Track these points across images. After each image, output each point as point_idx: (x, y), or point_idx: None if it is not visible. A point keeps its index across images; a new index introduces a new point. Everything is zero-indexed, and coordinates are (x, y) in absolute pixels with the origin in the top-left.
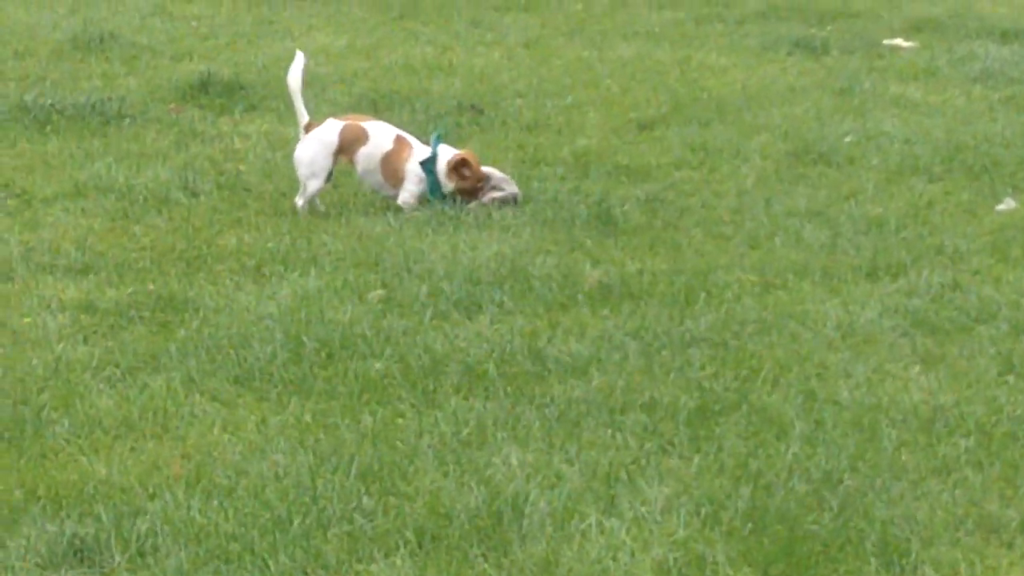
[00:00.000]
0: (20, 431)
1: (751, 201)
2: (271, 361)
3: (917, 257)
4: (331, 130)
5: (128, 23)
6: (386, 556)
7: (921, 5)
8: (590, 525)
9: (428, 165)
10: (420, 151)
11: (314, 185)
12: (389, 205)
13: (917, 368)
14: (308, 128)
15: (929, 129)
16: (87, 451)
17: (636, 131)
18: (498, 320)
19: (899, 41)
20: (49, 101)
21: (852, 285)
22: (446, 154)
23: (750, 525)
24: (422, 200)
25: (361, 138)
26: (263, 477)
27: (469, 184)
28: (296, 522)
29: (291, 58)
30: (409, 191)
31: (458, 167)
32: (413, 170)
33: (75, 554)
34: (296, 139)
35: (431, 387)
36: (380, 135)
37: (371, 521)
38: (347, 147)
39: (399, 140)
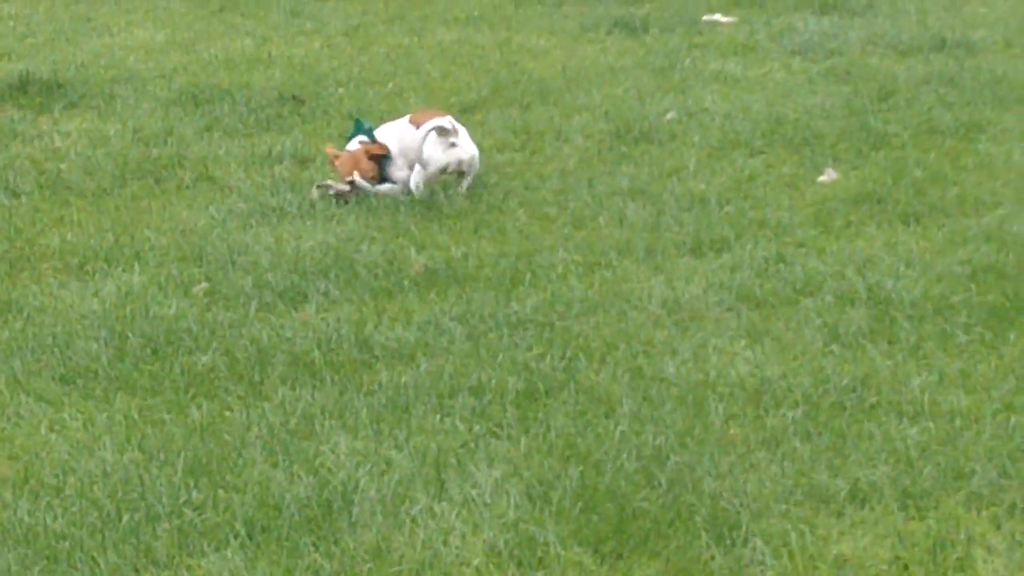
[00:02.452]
0: None
1: (574, 182)
2: (96, 359)
3: (741, 232)
4: None
5: None
6: (216, 549)
7: None
8: (421, 510)
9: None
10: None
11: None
12: (212, 199)
13: (743, 342)
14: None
15: (749, 104)
16: None
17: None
18: (324, 309)
19: (718, 16)
20: None
21: (676, 262)
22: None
23: (580, 504)
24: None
25: None
26: (91, 475)
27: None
28: (125, 519)
29: (110, 54)
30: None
31: (332, 157)
32: None
33: None
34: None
35: (258, 378)
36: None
37: (201, 515)
38: None
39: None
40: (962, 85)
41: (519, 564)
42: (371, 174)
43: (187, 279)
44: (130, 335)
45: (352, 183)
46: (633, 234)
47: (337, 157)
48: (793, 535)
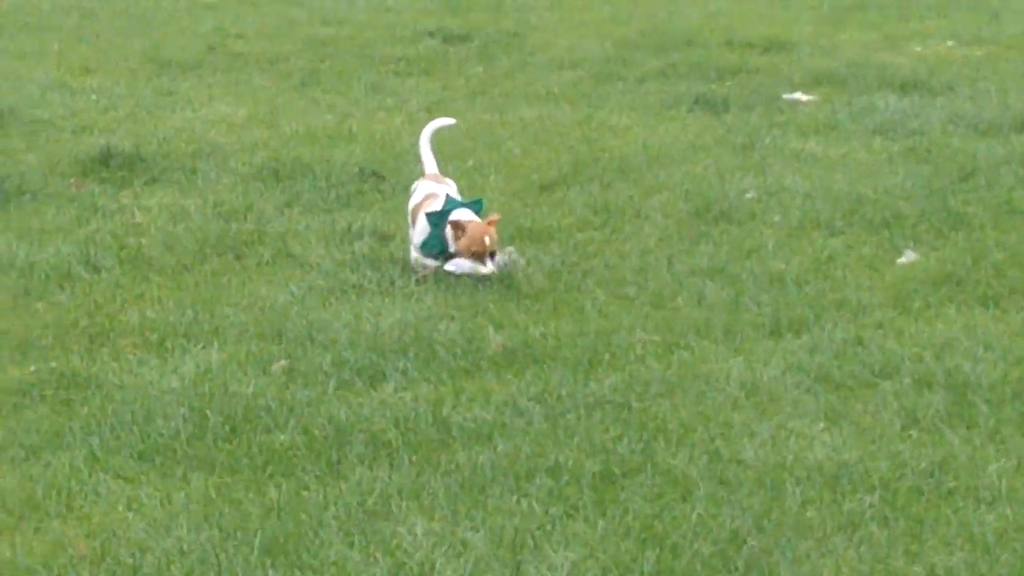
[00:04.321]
0: None
1: (653, 260)
2: (174, 436)
3: (819, 312)
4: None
5: (28, 98)
6: None
7: (820, 59)
8: None
9: (433, 218)
10: (438, 204)
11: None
12: (292, 275)
13: (821, 424)
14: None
15: (830, 183)
16: None
17: (538, 193)
18: (402, 388)
19: (799, 95)
20: None
21: (755, 342)
22: (460, 215)
23: None
24: (427, 254)
25: (413, 193)
26: (168, 554)
27: (464, 245)
28: None
29: (191, 129)
30: (413, 242)
31: (454, 226)
32: (421, 219)
33: None
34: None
35: (335, 458)
36: (420, 190)
37: None
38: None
39: (430, 196)
40: None
41: None
42: (494, 248)
43: (266, 356)
44: (208, 413)
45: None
46: (712, 314)
47: (463, 228)
48: None
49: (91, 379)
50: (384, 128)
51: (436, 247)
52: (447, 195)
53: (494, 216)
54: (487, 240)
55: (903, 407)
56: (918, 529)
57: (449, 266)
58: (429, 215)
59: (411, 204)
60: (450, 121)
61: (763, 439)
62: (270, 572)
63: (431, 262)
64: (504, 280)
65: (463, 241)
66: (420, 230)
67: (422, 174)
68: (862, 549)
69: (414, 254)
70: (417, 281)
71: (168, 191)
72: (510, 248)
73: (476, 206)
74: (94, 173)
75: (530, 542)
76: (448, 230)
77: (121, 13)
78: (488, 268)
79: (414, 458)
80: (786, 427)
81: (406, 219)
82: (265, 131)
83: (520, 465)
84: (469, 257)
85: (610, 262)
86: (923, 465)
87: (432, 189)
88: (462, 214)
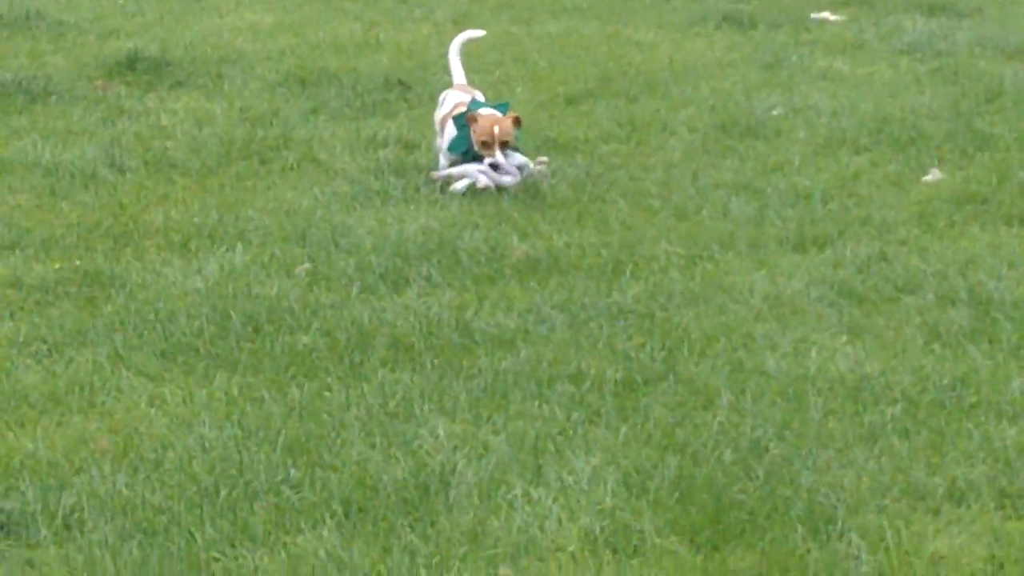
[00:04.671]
0: None
1: (678, 174)
2: (198, 335)
3: (844, 229)
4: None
5: (54, 1)
6: (313, 527)
7: None
8: (517, 495)
9: (460, 120)
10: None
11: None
12: (316, 180)
13: (844, 338)
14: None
15: (856, 102)
16: (13, 426)
17: (564, 105)
18: (425, 293)
19: (826, 14)
20: None
21: (779, 257)
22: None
23: (677, 494)
24: (454, 153)
25: (441, 104)
26: (190, 450)
27: (475, 135)
28: (223, 494)
29: (218, 35)
30: (442, 148)
31: (469, 118)
32: (449, 124)
33: (0, 528)
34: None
35: (358, 360)
36: (449, 100)
37: (298, 493)
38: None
39: (459, 105)
40: None
41: (614, 551)
42: (512, 142)
43: (290, 260)
44: (232, 313)
45: (495, 166)
46: (736, 228)
47: (475, 119)
48: (889, 531)
49: (115, 278)
50: (411, 38)
51: (462, 146)
52: (472, 99)
53: (512, 114)
54: (496, 129)
55: (926, 322)
56: (939, 442)
57: (457, 186)
58: (456, 117)
59: (439, 114)
60: (479, 33)
61: (785, 351)
62: (291, 471)
63: (443, 172)
64: (528, 190)
65: (475, 132)
66: (448, 134)
67: (450, 85)
68: (883, 460)
69: (442, 161)
70: (436, 186)
71: (194, 95)
72: (543, 158)
73: (501, 108)
74: (120, 76)
75: (551, 446)
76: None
77: None
78: (493, 162)
79: (436, 362)
80: (808, 339)
81: (433, 128)
82: (292, 39)
83: (542, 371)
84: (480, 147)
85: (635, 174)
86: (945, 379)
87: (460, 98)
88: (481, 110)
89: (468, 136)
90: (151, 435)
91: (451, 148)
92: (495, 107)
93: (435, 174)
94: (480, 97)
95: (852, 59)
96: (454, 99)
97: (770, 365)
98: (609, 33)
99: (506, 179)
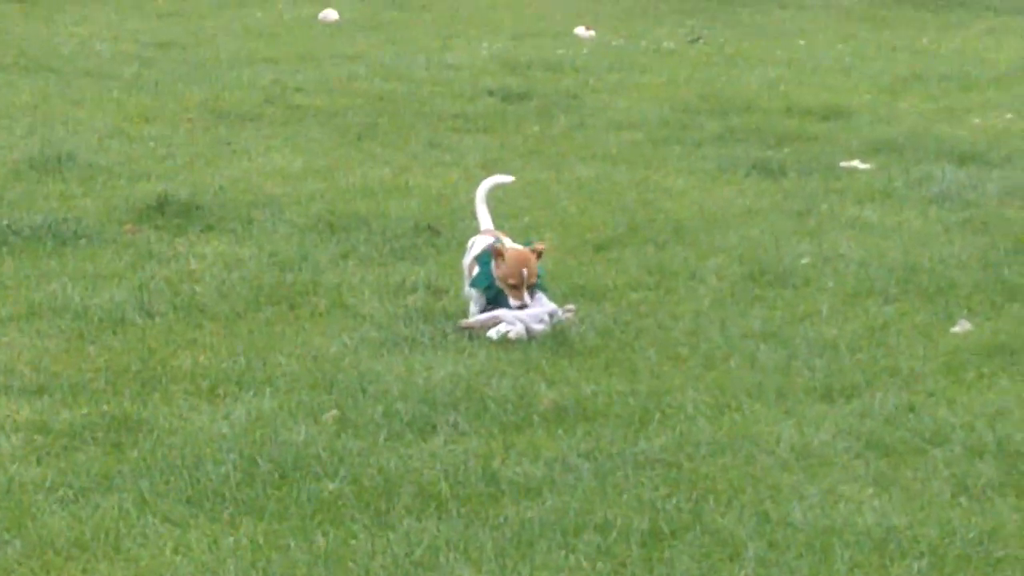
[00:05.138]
0: None
1: (707, 322)
2: (224, 482)
3: (872, 379)
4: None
5: (86, 144)
6: None
7: (879, 127)
8: None
9: (484, 257)
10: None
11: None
12: (345, 326)
13: (871, 490)
14: None
15: (885, 251)
16: (39, 572)
17: (592, 252)
18: (452, 441)
19: (856, 163)
20: (5, 222)
21: (806, 406)
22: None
23: None
24: (477, 301)
25: (470, 249)
26: None
27: (501, 273)
28: None
29: (248, 179)
30: (468, 293)
31: (494, 252)
32: (472, 262)
33: None
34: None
35: (384, 508)
36: (478, 245)
37: None
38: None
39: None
40: None
41: None
42: (533, 280)
43: (317, 406)
44: (259, 459)
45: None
46: (764, 377)
47: (501, 254)
48: None
49: (142, 423)
50: (440, 183)
51: (483, 282)
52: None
53: (540, 245)
54: (524, 272)
55: (953, 475)
56: None
57: (491, 333)
58: (479, 255)
59: (467, 260)
60: (508, 179)
61: (812, 502)
62: None
63: (474, 320)
64: (556, 337)
65: (501, 269)
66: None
67: (477, 230)
68: None
69: (472, 308)
70: (461, 330)
71: (223, 239)
72: (571, 305)
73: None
74: (150, 220)
75: None
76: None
77: (181, 63)
78: (519, 305)
79: (463, 510)
80: (835, 491)
81: (462, 274)
82: (321, 183)
83: (568, 521)
84: (506, 288)
85: (663, 323)
86: (972, 533)
87: (489, 241)
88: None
89: (491, 272)
90: None
91: (473, 284)
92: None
93: (465, 322)
94: (508, 242)
95: (881, 208)
96: (482, 243)
97: (797, 516)
98: (638, 180)
99: (537, 327)
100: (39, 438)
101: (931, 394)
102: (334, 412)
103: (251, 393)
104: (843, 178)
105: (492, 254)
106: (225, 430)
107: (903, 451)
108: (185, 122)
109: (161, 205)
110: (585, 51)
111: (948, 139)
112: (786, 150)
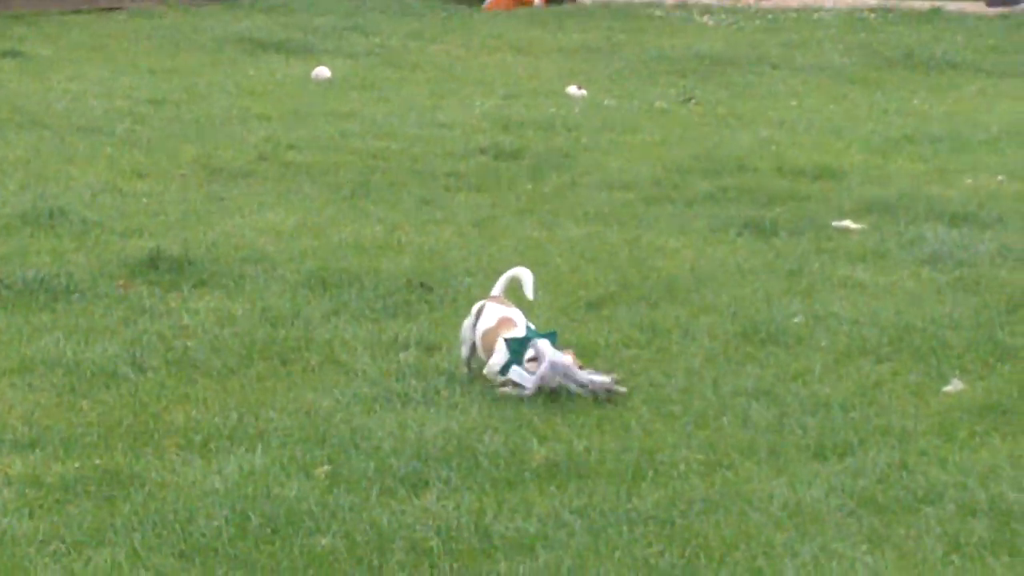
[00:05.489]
0: None
1: (699, 381)
2: (216, 536)
3: (864, 437)
4: (475, 306)
5: (79, 199)
6: None
7: (870, 187)
8: None
9: (514, 344)
10: (518, 331)
11: (462, 351)
12: (337, 382)
13: (864, 547)
14: None
15: (877, 311)
16: None
17: (585, 310)
18: (444, 497)
19: (848, 223)
20: None
21: (799, 465)
22: (539, 346)
23: None
24: (504, 372)
25: (480, 315)
26: None
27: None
28: None
29: (240, 235)
30: (494, 358)
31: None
32: (500, 343)
33: None
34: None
35: (377, 564)
36: (491, 313)
37: None
38: (478, 323)
39: (503, 320)
40: None
41: None
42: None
43: (309, 461)
44: (251, 514)
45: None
46: (756, 435)
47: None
48: None
49: (134, 477)
50: (433, 240)
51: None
52: (527, 325)
53: (569, 351)
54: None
55: (946, 533)
56: None
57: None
58: (508, 341)
59: (481, 327)
60: (530, 284)
61: (805, 560)
62: None
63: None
64: (548, 393)
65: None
66: (500, 354)
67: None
68: None
69: (498, 379)
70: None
71: (216, 295)
72: (614, 374)
73: (551, 338)
74: (142, 275)
75: None
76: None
77: (174, 120)
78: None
79: (455, 566)
80: (828, 549)
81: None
82: (314, 240)
83: None
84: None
85: (655, 380)
86: None
87: (505, 313)
88: (544, 345)
89: (519, 364)
90: None
91: (502, 371)
92: (546, 335)
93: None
94: (516, 312)
95: (873, 268)
96: (498, 312)
97: (790, 574)
98: (630, 239)
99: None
100: (31, 492)
101: (923, 453)
102: (326, 467)
103: (243, 448)
104: (835, 238)
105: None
106: (217, 485)
107: (896, 509)
108: (178, 178)
109: (153, 260)
110: (577, 110)
111: (940, 200)
112: (778, 210)
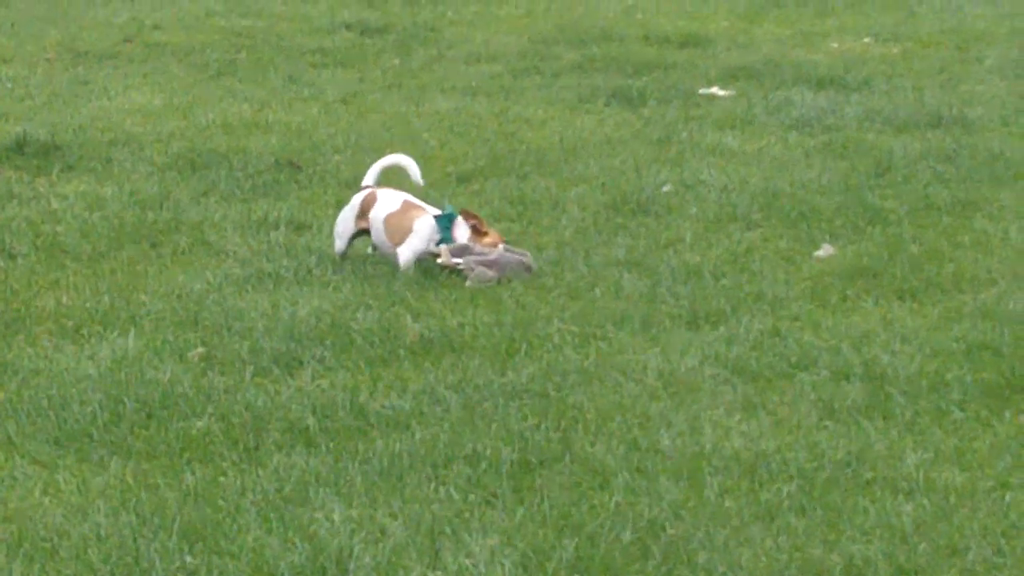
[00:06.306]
0: None
1: (570, 252)
2: (91, 422)
3: (736, 304)
4: (356, 196)
5: None
6: None
7: (736, 54)
8: None
9: (443, 221)
10: (432, 211)
11: (337, 245)
12: (208, 264)
13: (738, 415)
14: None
15: (746, 177)
16: None
17: (455, 184)
18: (319, 376)
19: (715, 90)
20: None
21: (672, 334)
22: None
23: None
24: (421, 258)
25: (373, 202)
26: (85, 539)
27: (491, 241)
28: None
29: (107, 118)
30: (411, 245)
31: (476, 227)
32: (424, 224)
33: None
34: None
35: (253, 444)
36: (389, 199)
37: None
38: (364, 212)
39: (406, 203)
40: (959, 162)
41: None
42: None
43: (183, 344)
44: (125, 399)
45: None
46: (629, 305)
47: (487, 234)
48: None
49: (6, 365)
50: (301, 119)
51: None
52: (446, 203)
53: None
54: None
55: (820, 398)
56: (836, 519)
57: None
58: (439, 218)
59: (382, 213)
60: (416, 170)
61: (680, 429)
62: (188, 557)
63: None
64: (421, 270)
65: (489, 240)
66: (427, 231)
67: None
68: (780, 538)
69: (408, 256)
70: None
71: (84, 179)
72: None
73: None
74: (9, 160)
75: (448, 529)
76: (463, 230)
77: (38, 2)
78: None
79: (331, 445)
80: (703, 417)
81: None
82: (181, 121)
83: (438, 453)
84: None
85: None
86: (840, 456)
87: (405, 196)
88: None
89: (450, 238)
90: (46, 524)
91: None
92: (449, 215)
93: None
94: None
95: (742, 134)
96: (393, 197)
97: (665, 444)
98: (499, 111)
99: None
100: None
101: (796, 319)
102: (200, 350)
103: (115, 333)
104: (702, 105)
105: (473, 230)
106: (91, 370)
107: (770, 376)
108: (43, 62)
109: (20, 145)
110: None
111: (806, 64)
112: (645, 78)
